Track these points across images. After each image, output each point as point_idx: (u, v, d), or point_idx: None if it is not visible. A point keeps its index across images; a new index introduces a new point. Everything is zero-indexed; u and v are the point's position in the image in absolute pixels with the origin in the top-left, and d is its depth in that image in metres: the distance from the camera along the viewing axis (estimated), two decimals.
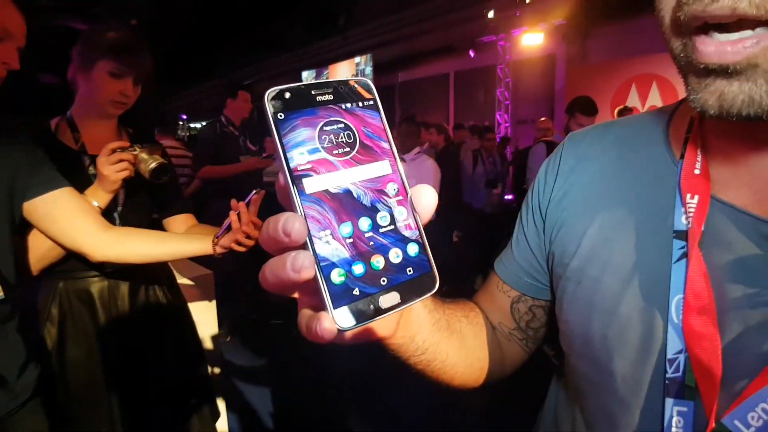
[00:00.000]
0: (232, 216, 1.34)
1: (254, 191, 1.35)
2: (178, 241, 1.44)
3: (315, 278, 0.33)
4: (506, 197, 6.71)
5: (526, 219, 0.73)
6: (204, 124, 4.34)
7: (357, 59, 12.15)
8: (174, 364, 1.67)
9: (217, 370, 2.57)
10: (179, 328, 1.74)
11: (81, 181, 1.41)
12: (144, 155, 1.44)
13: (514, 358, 0.77)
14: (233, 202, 1.36)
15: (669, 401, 0.48)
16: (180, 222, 1.70)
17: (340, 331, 0.33)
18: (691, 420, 0.47)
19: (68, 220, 1.24)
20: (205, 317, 2.62)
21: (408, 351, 0.54)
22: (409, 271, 0.36)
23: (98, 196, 1.39)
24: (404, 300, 0.35)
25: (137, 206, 1.58)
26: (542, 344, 0.79)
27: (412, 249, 0.37)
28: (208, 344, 2.60)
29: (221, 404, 2.20)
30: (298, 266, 0.31)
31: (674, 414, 0.47)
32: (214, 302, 2.71)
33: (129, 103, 1.51)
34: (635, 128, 0.63)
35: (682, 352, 0.47)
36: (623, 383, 0.53)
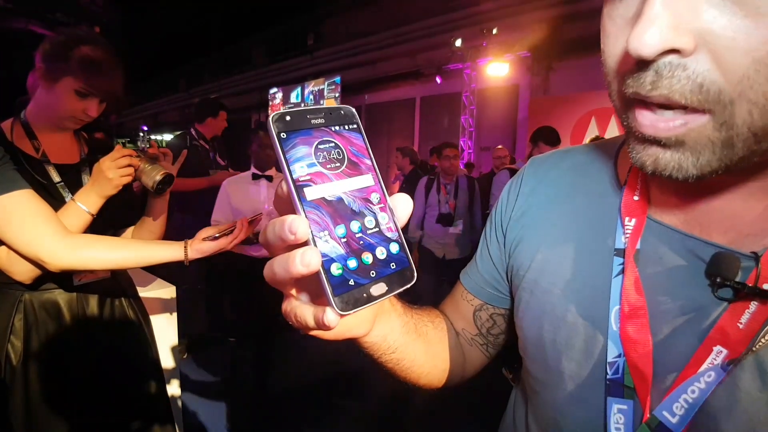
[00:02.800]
0: (237, 223, 1.47)
1: (258, 213, 1.56)
2: (147, 247, 1.35)
3: (318, 271, 0.38)
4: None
5: (489, 234, 0.80)
6: (173, 136, 4.29)
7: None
8: (137, 382, 1.62)
9: (174, 388, 2.53)
10: (144, 344, 1.68)
11: (48, 190, 1.36)
12: (146, 165, 1.42)
13: (476, 363, 0.83)
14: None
15: (610, 400, 0.54)
16: (129, 234, 1.66)
17: (340, 316, 0.39)
18: (630, 416, 0.53)
19: (25, 224, 1.16)
20: (165, 333, 2.57)
21: (380, 350, 0.60)
22: (392, 265, 0.42)
23: (90, 202, 1.33)
24: (390, 289, 0.41)
25: (103, 218, 1.51)
26: (502, 367, 0.86)
27: (394, 248, 0.43)
28: (167, 361, 2.56)
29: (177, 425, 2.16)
30: (307, 261, 0.37)
31: (615, 411, 0.53)
32: (174, 318, 2.67)
33: (89, 121, 1.43)
34: (589, 156, 0.70)
35: (621, 356, 0.54)
36: (570, 382, 0.59)
